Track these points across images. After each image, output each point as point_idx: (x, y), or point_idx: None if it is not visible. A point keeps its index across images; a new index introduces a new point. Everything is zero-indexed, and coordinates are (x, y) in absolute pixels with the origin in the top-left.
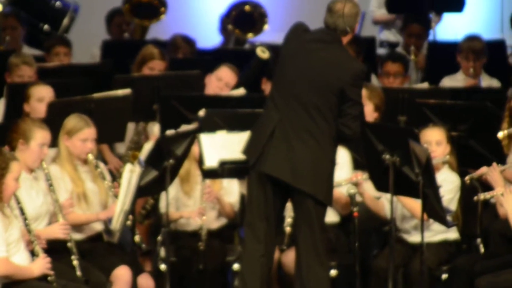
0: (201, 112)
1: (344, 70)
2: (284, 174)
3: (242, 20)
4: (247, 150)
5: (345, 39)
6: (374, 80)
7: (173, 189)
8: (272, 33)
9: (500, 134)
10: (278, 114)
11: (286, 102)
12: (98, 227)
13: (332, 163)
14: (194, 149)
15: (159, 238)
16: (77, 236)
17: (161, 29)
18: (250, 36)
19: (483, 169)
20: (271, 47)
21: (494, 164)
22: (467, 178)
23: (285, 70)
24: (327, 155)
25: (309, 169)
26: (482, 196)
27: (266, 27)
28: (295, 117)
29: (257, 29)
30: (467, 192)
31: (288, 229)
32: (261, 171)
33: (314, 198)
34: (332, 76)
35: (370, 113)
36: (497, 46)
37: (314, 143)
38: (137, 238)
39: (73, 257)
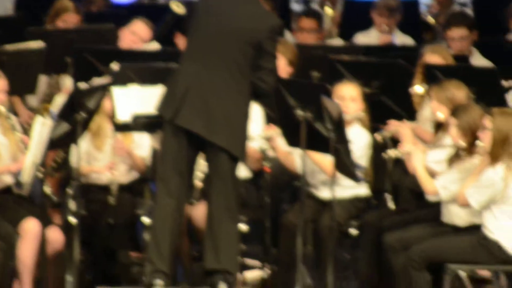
0: (114, 65)
1: (262, 24)
2: (199, 128)
3: None
4: (163, 104)
5: None
6: (289, 35)
7: (85, 143)
8: None
9: (412, 90)
10: (195, 69)
11: (203, 56)
12: (8, 179)
13: (247, 118)
14: (106, 103)
15: (70, 191)
16: None
17: None
18: None
19: (393, 125)
20: (186, 2)
21: (405, 120)
22: (378, 135)
23: (201, 25)
24: (242, 110)
25: (224, 123)
26: (391, 152)
27: None
28: (212, 71)
29: None
30: (377, 148)
31: (198, 183)
32: (176, 124)
33: (228, 153)
34: (249, 30)
35: (283, 68)
36: (411, 3)
37: (229, 97)
38: (47, 190)
39: None
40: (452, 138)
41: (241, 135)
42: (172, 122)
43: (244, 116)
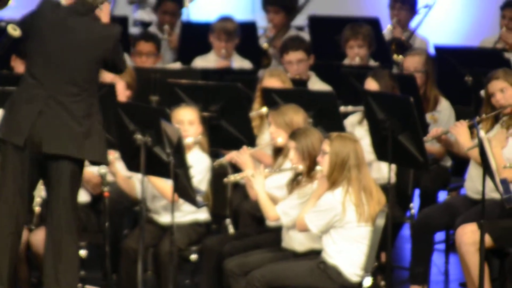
0: None
1: (101, 38)
2: (42, 147)
3: None
4: (6, 129)
5: (103, 12)
6: (127, 59)
7: None
8: (16, 9)
9: (251, 114)
10: (38, 90)
11: (44, 76)
12: None
13: (91, 134)
14: None
15: None
16: None
17: None
18: None
19: (232, 154)
20: (21, 23)
21: (244, 147)
22: (215, 163)
23: (40, 45)
24: (86, 130)
25: (67, 143)
26: (231, 177)
27: (11, 2)
28: (55, 91)
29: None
30: (217, 172)
31: (37, 208)
32: (18, 144)
33: (70, 175)
34: (90, 46)
35: (121, 92)
36: (249, 27)
37: (72, 116)
38: None
39: None
40: (291, 162)
41: (82, 155)
42: (13, 143)
43: (85, 136)
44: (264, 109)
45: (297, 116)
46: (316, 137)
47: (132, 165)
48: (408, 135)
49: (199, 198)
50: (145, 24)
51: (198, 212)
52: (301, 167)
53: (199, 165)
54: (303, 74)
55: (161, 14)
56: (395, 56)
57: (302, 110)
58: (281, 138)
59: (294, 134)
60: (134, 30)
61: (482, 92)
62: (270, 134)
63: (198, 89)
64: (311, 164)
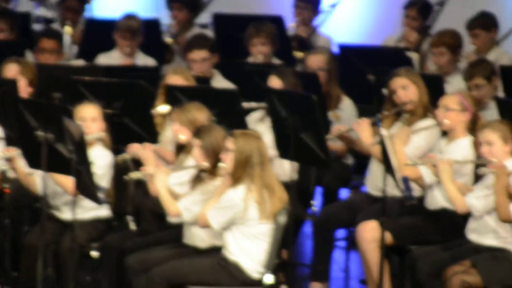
0: None
1: None
2: None
3: None
4: None
5: None
6: (30, 56)
7: None
8: None
9: (154, 112)
10: None
11: None
12: None
13: None
14: None
15: None
16: None
17: None
18: None
19: (134, 147)
20: None
21: (147, 143)
22: (118, 158)
23: None
24: None
25: None
26: (133, 175)
27: None
28: None
29: None
30: (119, 169)
31: None
32: None
33: None
34: None
35: (24, 88)
36: (153, 24)
37: None
38: None
39: None
40: (195, 159)
41: None
42: None
43: None
44: (166, 107)
45: (200, 114)
46: (220, 134)
47: (34, 162)
48: (310, 133)
49: (100, 195)
50: (47, 21)
51: (100, 209)
52: (205, 164)
53: (101, 162)
54: (207, 72)
55: (64, 10)
56: (296, 53)
57: (205, 108)
58: (184, 136)
59: (198, 132)
60: (36, 26)
61: (385, 90)
62: (173, 132)
63: (101, 86)
64: (215, 161)
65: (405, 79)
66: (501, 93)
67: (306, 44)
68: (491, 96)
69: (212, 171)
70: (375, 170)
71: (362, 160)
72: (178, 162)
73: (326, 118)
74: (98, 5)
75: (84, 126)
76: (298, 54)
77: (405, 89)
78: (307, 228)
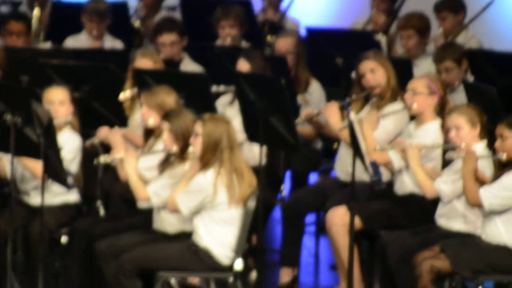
0: None
1: None
2: None
3: None
4: None
5: None
6: None
7: None
8: None
9: (122, 96)
10: None
11: None
12: None
13: None
14: None
15: None
16: None
17: None
18: None
19: (103, 131)
20: None
21: (116, 127)
22: (87, 143)
23: None
24: None
25: None
26: (102, 159)
27: None
28: None
29: None
30: (88, 154)
31: None
32: None
33: None
34: None
35: None
36: (120, 7)
37: None
38: None
39: None
40: (165, 143)
41: None
42: None
43: None
44: (133, 90)
45: (169, 98)
46: (189, 118)
47: (2, 146)
48: (279, 116)
49: (69, 180)
50: (14, 4)
51: (69, 194)
52: (174, 148)
53: (70, 146)
54: (176, 55)
55: None
56: (268, 38)
57: (174, 91)
58: (153, 119)
59: (167, 116)
60: (3, 9)
61: (353, 74)
62: (142, 115)
63: (69, 69)
64: (184, 145)
65: (374, 63)
66: (469, 77)
67: (277, 27)
68: (461, 79)
69: (181, 155)
70: (344, 154)
71: (331, 144)
72: (147, 146)
73: (295, 102)
74: None
75: (52, 109)
76: (270, 38)
77: (374, 72)
78: (277, 213)
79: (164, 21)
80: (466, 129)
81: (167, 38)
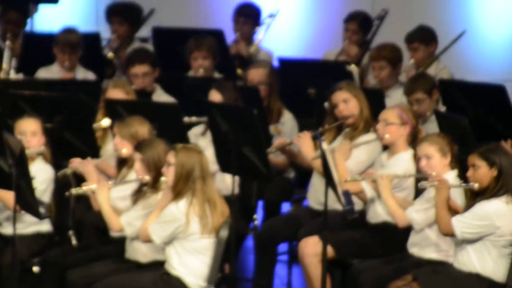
0: None
1: None
2: None
3: None
4: None
5: None
6: None
7: None
8: None
9: (97, 125)
10: None
11: None
12: None
13: None
14: None
15: None
16: None
17: None
18: None
19: (76, 162)
20: None
21: (88, 158)
22: (59, 174)
23: None
24: None
25: None
26: (73, 191)
27: None
28: None
29: None
30: (60, 183)
31: None
32: None
33: None
34: None
35: None
36: (93, 38)
37: None
38: None
39: None
40: (137, 173)
41: None
42: None
43: None
44: (107, 121)
45: (142, 128)
46: (161, 148)
47: None
48: (251, 147)
49: (41, 210)
50: None
51: (41, 224)
52: (147, 178)
53: (42, 176)
54: (148, 86)
55: (5, 23)
56: (238, 71)
57: (147, 121)
58: (126, 149)
59: (139, 146)
60: None
61: (326, 104)
62: (115, 145)
63: (41, 100)
64: (156, 175)
65: (347, 93)
66: (442, 107)
67: (247, 61)
68: (432, 110)
69: (154, 185)
70: (316, 184)
71: (304, 174)
72: (120, 176)
73: (267, 132)
74: (38, 19)
75: (24, 140)
76: (240, 72)
77: (347, 103)
78: (249, 242)
79: (137, 52)
80: (436, 158)
81: (139, 69)
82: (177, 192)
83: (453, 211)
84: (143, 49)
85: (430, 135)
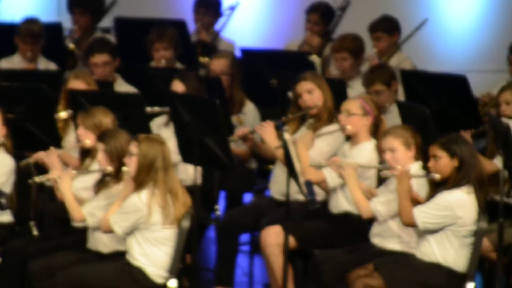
0: None
1: None
2: None
3: None
4: None
5: None
6: None
7: None
8: None
9: (57, 116)
10: None
11: None
12: None
13: None
14: None
15: None
16: None
17: None
18: None
19: (40, 154)
20: None
21: (52, 148)
22: (22, 163)
23: None
24: None
25: None
26: (37, 179)
27: None
28: None
29: None
30: (22, 174)
31: None
32: None
33: None
34: None
35: None
36: (54, 28)
37: None
38: None
39: None
40: (100, 163)
41: None
42: None
43: None
44: (68, 112)
45: (105, 118)
46: (124, 138)
47: None
48: (213, 137)
49: (2, 200)
50: None
51: (2, 214)
52: (109, 168)
53: (3, 167)
54: (108, 76)
55: None
56: (201, 58)
57: (110, 112)
58: (89, 140)
59: (102, 136)
60: None
61: (290, 94)
62: (78, 136)
63: (2, 90)
64: (119, 165)
65: (311, 84)
66: (401, 97)
67: (210, 48)
68: (391, 101)
69: (116, 176)
70: (279, 174)
71: (266, 165)
72: (84, 167)
73: (230, 122)
74: (0, 9)
75: None
76: (203, 59)
77: (311, 93)
78: (211, 233)
79: (96, 42)
80: (401, 151)
81: (99, 58)
82: (139, 183)
83: (416, 202)
84: (103, 39)
85: (394, 127)
